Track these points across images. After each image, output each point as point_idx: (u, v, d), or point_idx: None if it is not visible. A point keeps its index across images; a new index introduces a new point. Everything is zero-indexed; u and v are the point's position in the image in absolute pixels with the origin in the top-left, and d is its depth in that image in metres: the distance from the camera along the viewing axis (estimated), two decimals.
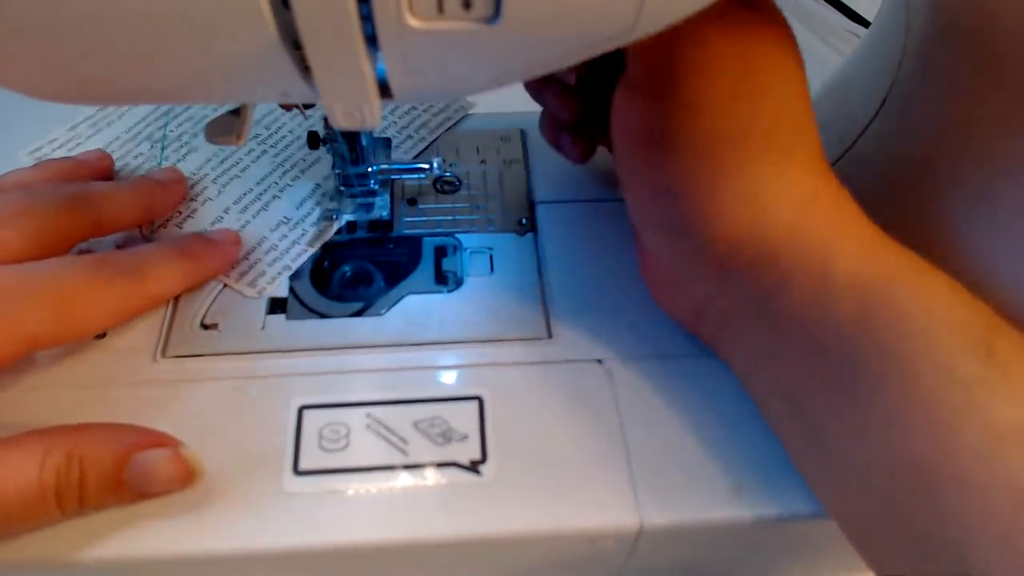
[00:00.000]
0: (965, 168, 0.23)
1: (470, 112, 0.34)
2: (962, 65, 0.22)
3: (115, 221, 0.26)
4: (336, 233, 0.29)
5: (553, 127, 0.28)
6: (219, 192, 0.29)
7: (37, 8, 0.13)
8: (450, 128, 0.33)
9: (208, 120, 0.22)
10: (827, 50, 0.42)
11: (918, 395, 0.17)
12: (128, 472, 0.20)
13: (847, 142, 0.28)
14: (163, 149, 0.31)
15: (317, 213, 0.29)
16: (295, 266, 0.27)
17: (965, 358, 0.17)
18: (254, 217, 0.28)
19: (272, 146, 0.31)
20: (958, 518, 0.16)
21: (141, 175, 0.30)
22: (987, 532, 0.16)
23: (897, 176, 0.26)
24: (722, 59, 0.19)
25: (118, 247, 0.27)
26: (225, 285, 0.26)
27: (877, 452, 0.18)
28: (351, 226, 0.29)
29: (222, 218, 0.28)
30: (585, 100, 0.26)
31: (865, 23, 0.43)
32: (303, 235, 0.28)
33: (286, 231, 0.28)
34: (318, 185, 0.30)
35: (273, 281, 0.26)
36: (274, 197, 0.29)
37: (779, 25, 0.20)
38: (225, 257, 0.26)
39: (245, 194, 0.29)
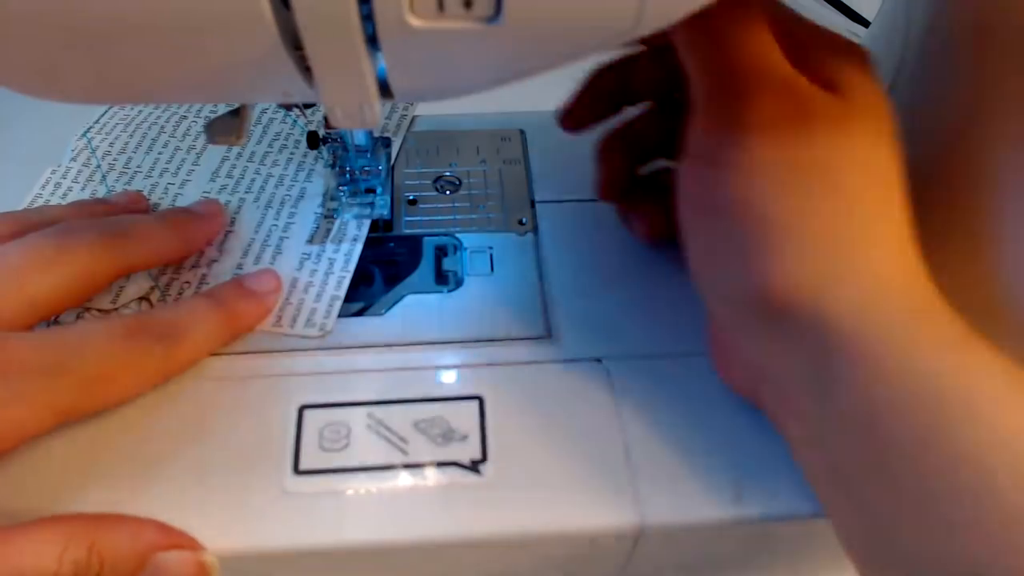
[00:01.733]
0: (966, 168, 0.23)
1: (416, 115, 0.34)
2: (962, 65, 0.23)
3: (147, 259, 0.25)
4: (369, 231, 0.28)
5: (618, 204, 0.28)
6: (220, 248, 0.28)
7: (38, 9, 0.13)
8: (409, 130, 0.33)
9: (208, 120, 0.22)
10: None
11: (999, 510, 0.16)
12: (145, 572, 0.19)
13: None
14: (99, 165, 0.31)
15: (322, 215, 0.29)
16: (342, 294, 0.26)
17: None
18: (272, 262, 0.27)
19: (249, 191, 0.30)
20: None
21: (177, 208, 0.28)
22: None
23: None
24: (782, 121, 0.19)
25: None
26: (284, 335, 0.25)
27: (936, 550, 0.17)
28: (375, 225, 0.29)
29: (239, 271, 0.27)
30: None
31: (865, 23, 0.43)
32: (332, 263, 0.27)
33: (313, 265, 0.27)
34: (319, 208, 0.29)
35: (329, 315, 0.26)
36: (282, 239, 0.28)
37: (865, 90, 0.20)
38: (263, 309, 0.25)
39: (250, 244, 0.28)
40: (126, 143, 0.32)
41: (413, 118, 0.34)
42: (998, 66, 0.21)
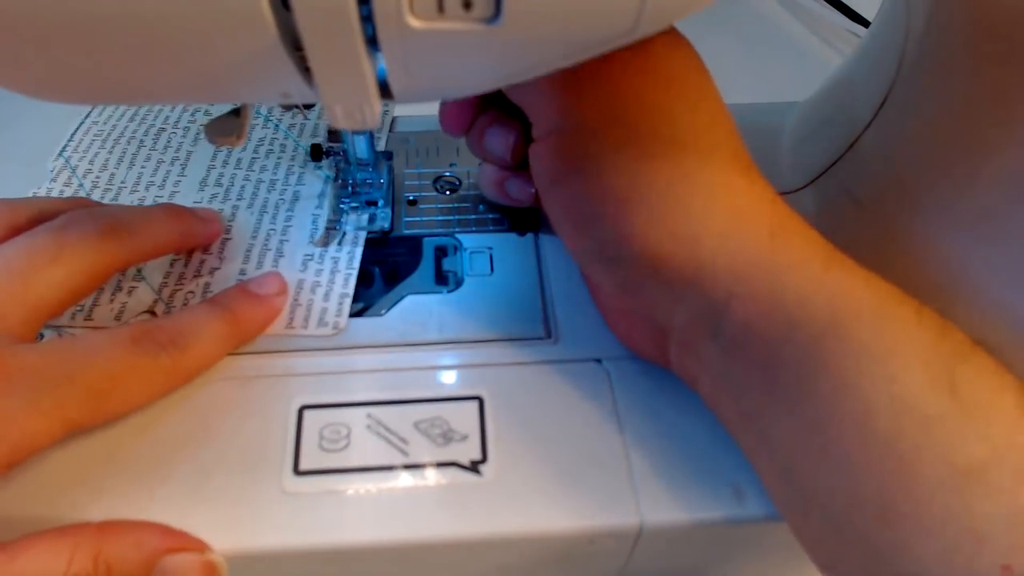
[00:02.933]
0: (966, 168, 0.23)
1: (396, 115, 0.34)
2: (963, 65, 0.22)
3: (148, 251, 0.25)
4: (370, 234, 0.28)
5: (499, 178, 0.27)
6: (220, 256, 0.28)
7: (38, 9, 0.13)
8: (391, 131, 0.33)
9: (208, 120, 0.22)
10: (827, 50, 0.42)
11: (875, 429, 0.17)
12: None
13: (847, 142, 0.28)
14: (81, 184, 0.30)
15: (324, 227, 0.29)
16: (350, 291, 0.26)
17: (925, 393, 0.17)
18: (275, 265, 0.27)
19: (240, 197, 0.30)
20: (917, 554, 0.16)
21: (176, 205, 0.28)
22: (947, 565, 0.16)
23: (897, 175, 0.26)
24: (619, 82, 0.20)
25: None
26: (296, 336, 0.25)
27: (837, 482, 0.18)
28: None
29: (243, 276, 0.27)
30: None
31: (865, 23, 0.43)
32: (336, 261, 0.27)
33: (317, 265, 0.27)
34: (316, 210, 0.29)
35: (340, 313, 0.26)
36: (282, 242, 0.28)
37: (672, 42, 0.20)
38: (270, 312, 0.25)
39: (250, 249, 0.28)
40: (106, 160, 0.31)
41: (394, 118, 0.34)
42: (998, 66, 0.21)
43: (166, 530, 0.20)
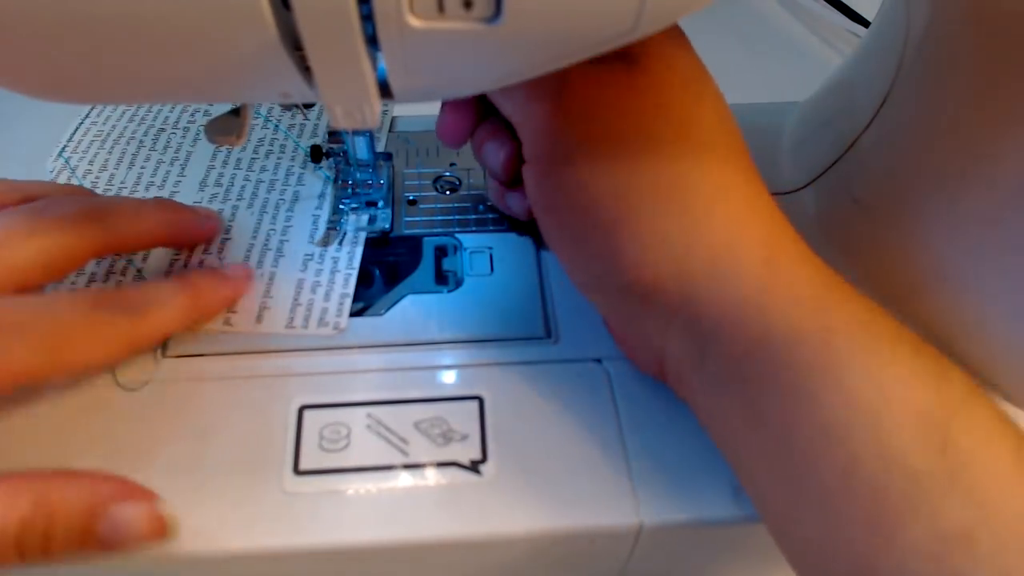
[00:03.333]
0: (967, 168, 0.23)
1: (396, 115, 0.34)
2: (963, 65, 0.22)
3: (132, 238, 0.25)
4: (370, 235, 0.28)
5: (500, 190, 0.27)
6: (220, 255, 0.28)
7: (38, 8, 0.13)
8: (391, 130, 0.33)
9: (208, 120, 0.22)
10: (827, 50, 0.42)
11: (859, 483, 0.16)
12: (100, 526, 0.19)
13: (847, 142, 0.28)
14: (80, 184, 0.30)
15: (325, 228, 0.29)
16: (351, 291, 0.26)
17: (915, 449, 0.16)
18: (275, 265, 0.27)
19: (240, 198, 0.30)
20: None
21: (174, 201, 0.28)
22: None
23: (897, 176, 0.26)
24: (607, 108, 0.19)
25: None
26: (297, 335, 0.25)
27: (815, 531, 0.17)
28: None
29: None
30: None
31: (865, 23, 0.43)
32: (336, 261, 0.27)
33: (317, 265, 0.27)
34: (316, 210, 0.29)
35: (341, 313, 0.26)
36: (282, 242, 0.28)
37: (651, 52, 0.20)
38: (233, 292, 0.25)
39: (250, 249, 0.28)
40: (105, 160, 0.31)
41: (394, 118, 0.34)
42: (998, 66, 0.21)
43: (115, 479, 0.20)
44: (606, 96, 0.19)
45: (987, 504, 0.15)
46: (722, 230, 0.19)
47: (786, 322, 0.17)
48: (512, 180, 0.25)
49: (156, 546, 0.20)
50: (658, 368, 0.22)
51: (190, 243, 0.27)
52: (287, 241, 0.28)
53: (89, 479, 0.20)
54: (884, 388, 0.16)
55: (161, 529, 0.20)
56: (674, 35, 0.21)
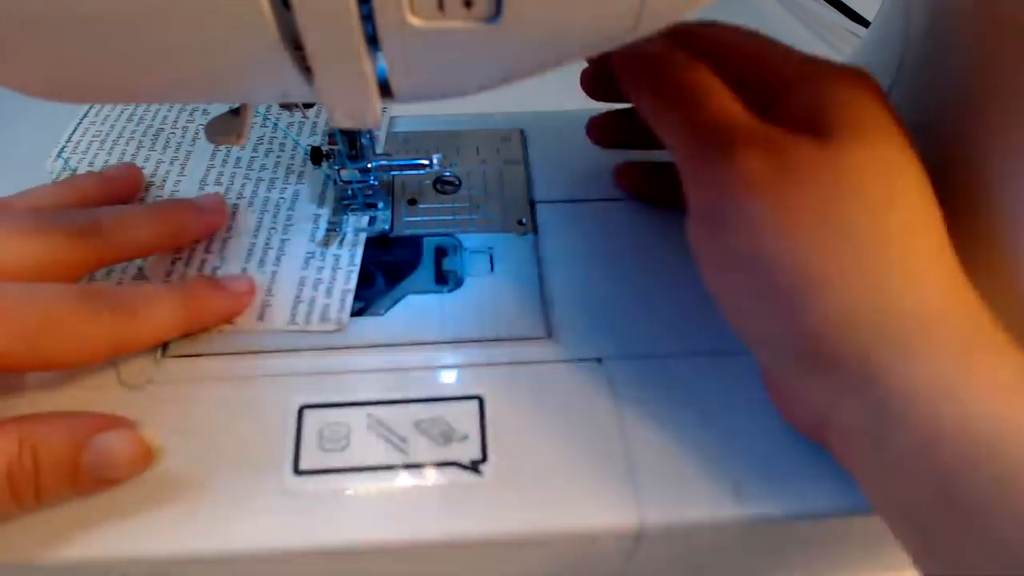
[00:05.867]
0: (966, 167, 0.23)
1: (394, 115, 0.34)
2: (963, 65, 0.23)
3: (129, 249, 0.24)
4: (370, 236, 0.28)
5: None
6: (221, 255, 0.27)
7: (38, 8, 0.13)
8: (389, 130, 0.34)
9: (208, 120, 0.22)
10: (827, 50, 0.42)
11: None
12: (85, 457, 0.19)
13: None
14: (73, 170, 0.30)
15: (325, 229, 0.29)
16: (352, 287, 0.26)
17: None
18: (277, 263, 0.27)
19: (240, 196, 0.30)
20: None
21: (176, 199, 0.28)
22: None
23: None
24: (768, 173, 0.19)
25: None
26: (302, 331, 0.25)
27: None
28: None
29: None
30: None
31: (865, 23, 0.43)
32: (338, 258, 0.27)
33: (319, 263, 0.27)
34: (317, 209, 0.29)
35: (343, 309, 0.26)
36: (283, 240, 0.28)
37: (853, 122, 0.20)
38: (233, 304, 0.25)
39: (251, 248, 0.28)
40: (105, 161, 0.31)
41: (392, 118, 0.34)
42: (998, 65, 0.21)
43: (96, 414, 0.20)
44: (795, 170, 0.19)
45: None
46: (914, 313, 0.18)
47: (987, 408, 0.17)
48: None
49: (140, 471, 0.20)
50: (817, 432, 0.21)
51: (191, 243, 0.27)
52: (288, 240, 0.28)
53: (67, 416, 0.20)
54: None
55: (144, 454, 0.20)
56: (876, 109, 0.20)
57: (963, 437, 0.17)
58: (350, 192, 0.30)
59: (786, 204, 0.19)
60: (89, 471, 0.19)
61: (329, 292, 0.26)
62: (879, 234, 0.19)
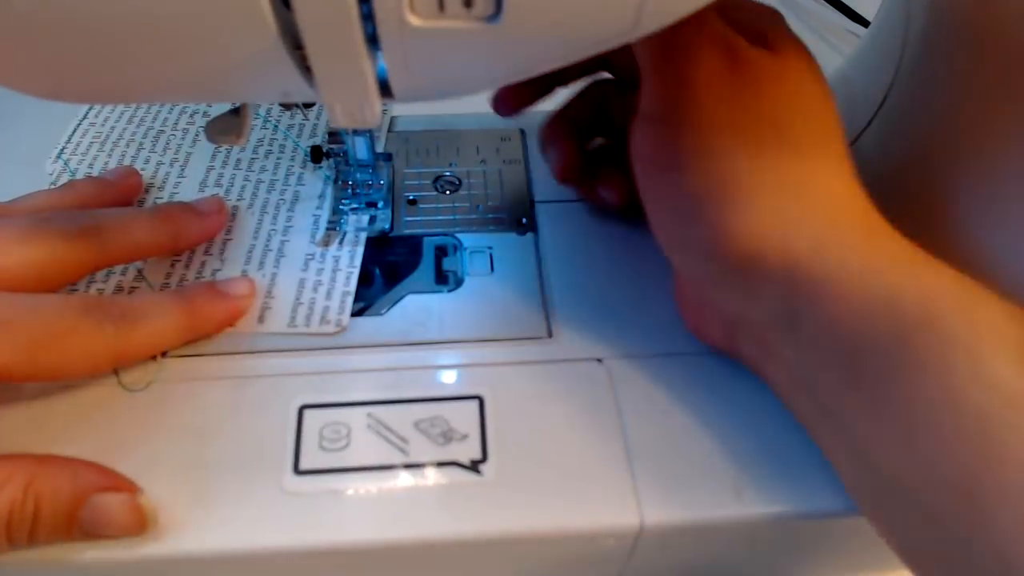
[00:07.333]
0: (966, 167, 0.23)
1: (395, 115, 0.34)
2: (963, 65, 0.23)
3: (129, 252, 0.25)
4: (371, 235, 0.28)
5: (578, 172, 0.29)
6: (221, 257, 0.27)
7: (39, 8, 0.13)
8: (390, 130, 0.34)
9: (208, 120, 0.22)
10: (827, 50, 0.42)
11: (963, 410, 0.17)
12: (82, 513, 0.19)
13: (847, 142, 0.28)
14: (73, 173, 0.30)
15: (325, 228, 0.29)
16: (352, 289, 0.26)
17: (1012, 373, 0.17)
18: (277, 265, 0.27)
19: (240, 198, 0.30)
20: (1001, 526, 0.16)
21: (175, 202, 0.28)
22: None
23: (897, 176, 0.26)
24: (727, 77, 0.20)
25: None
26: (299, 335, 0.25)
27: (922, 467, 0.18)
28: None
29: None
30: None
31: (865, 23, 0.43)
32: (337, 260, 0.27)
33: (319, 265, 0.27)
34: (317, 210, 0.29)
35: (343, 311, 0.26)
36: (283, 242, 0.28)
37: (789, 42, 0.21)
38: (232, 310, 0.25)
39: (251, 250, 0.28)
40: (105, 162, 0.31)
41: (393, 118, 0.34)
42: (997, 65, 0.21)
43: (101, 469, 0.20)
44: (745, 74, 0.20)
45: None
46: (829, 207, 0.20)
47: (888, 282, 0.19)
48: (575, 176, 0.28)
49: (132, 537, 0.20)
50: (728, 340, 0.24)
51: (191, 247, 0.27)
52: (288, 241, 0.28)
53: (76, 466, 0.20)
54: (979, 327, 0.18)
55: (139, 521, 0.20)
56: (790, 31, 0.22)
57: (866, 309, 0.19)
58: (350, 191, 0.30)
59: (740, 105, 0.20)
60: (83, 527, 0.19)
61: (329, 294, 0.26)
62: (812, 138, 0.21)
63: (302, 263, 0.27)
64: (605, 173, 0.28)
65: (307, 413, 0.23)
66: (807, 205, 0.20)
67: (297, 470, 0.22)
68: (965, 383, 0.17)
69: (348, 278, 0.27)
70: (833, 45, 0.42)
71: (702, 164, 0.20)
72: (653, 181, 0.22)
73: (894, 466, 0.19)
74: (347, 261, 0.27)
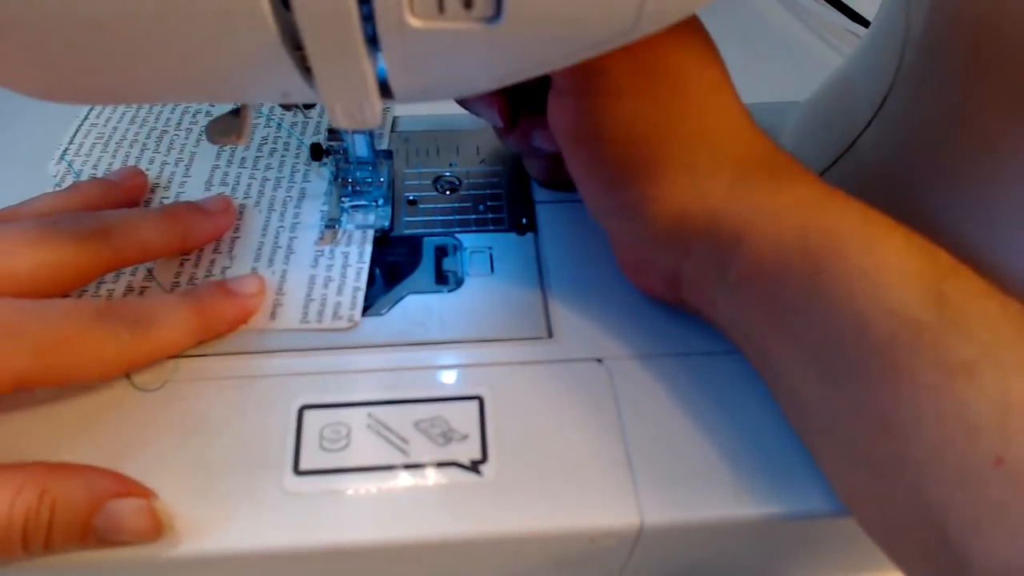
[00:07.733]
0: (965, 167, 0.23)
1: (397, 115, 0.34)
2: (962, 65, 0.23)
3: (138, 252, 0.25)
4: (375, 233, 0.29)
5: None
6: (230, 255, 0.27)
7: (39, 8, 0.13)
8: (393, 130, 0.34)
9: (209, 121, 0.22)
10: (827, 50, 0.42)
11: (870, 341, 0.18)
12: (97, 519, 0.19)
13: (847, 142, 0.28)
14: (77, 175, 0.30)
15: (324, 227, 0.29)
16: (363, 284, 0.26)
17: (915, 303, 0.18)
18: (286, 262, 0.27)
19: (247, 196, 0.30)
20: (914, 458, 0.17)
21: (183, 202, 0.28)
22: (943, 463, 0.17)
23: (897, 175, 0.26)
24: (638, 49, 0.21)
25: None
26: (310, 331, 0.25)
27: (839, 403, 0.19)
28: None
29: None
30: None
31: (865, 23, 0.43)
32: (347, 256, 0.27)
33: (328, 261, 0.27)
34: (324, 207, 0.29)
35: (355, 306, 0.26)
36: (291, 239, 0.28)
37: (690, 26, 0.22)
38: (243, 310, 0.25)
39: (260, 248, 0.28)
40: (109, 163, 0.31)
41: (394, 118, 0.34)
42: (997, 66, 0.21)
43: (115, 475, 0.20)
44: (653, 44, 0.21)
45: (985, 339, 0.17)
46: (736, 154, 0.22)
47: (797, 222, 0.20)
48: (511, 126, 0.28)
49: (148, 543, 0.20)
50: (671, 291, 0.25)
51: (199, 246, 0.27)
52: (296, 238, 0.28)
53: (90, 473, 0.20)
54: (882, 258, 0.19)
55: (155, 526, 0.20)
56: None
57: (780, 248, 0.20)
58: (350, 189, 0.30)
59: (642, 65, 0.21)
60: (98, 533, 0.19)
61: (340, 290, 0.26)
62: (706, 86, 0.22)
63: (312, 259, 0.27)
64: (540, 121, 0.27)
65: (307, 413, 0.23)
66: (716, 156, 0.21)
67: (297, 470, 0.22)
68: (871, 314, 0.18)
69: (358, 273, 0.27)
70: (833, 45, 0.42)
71: (617, 132, 0.21)
72: (576, 153, 0.23)
73: (818, 405, 0.20)
74: (356, 257, 0.27)
